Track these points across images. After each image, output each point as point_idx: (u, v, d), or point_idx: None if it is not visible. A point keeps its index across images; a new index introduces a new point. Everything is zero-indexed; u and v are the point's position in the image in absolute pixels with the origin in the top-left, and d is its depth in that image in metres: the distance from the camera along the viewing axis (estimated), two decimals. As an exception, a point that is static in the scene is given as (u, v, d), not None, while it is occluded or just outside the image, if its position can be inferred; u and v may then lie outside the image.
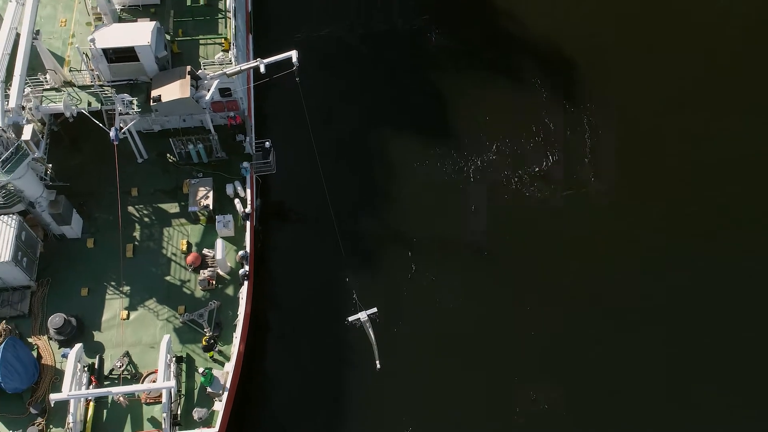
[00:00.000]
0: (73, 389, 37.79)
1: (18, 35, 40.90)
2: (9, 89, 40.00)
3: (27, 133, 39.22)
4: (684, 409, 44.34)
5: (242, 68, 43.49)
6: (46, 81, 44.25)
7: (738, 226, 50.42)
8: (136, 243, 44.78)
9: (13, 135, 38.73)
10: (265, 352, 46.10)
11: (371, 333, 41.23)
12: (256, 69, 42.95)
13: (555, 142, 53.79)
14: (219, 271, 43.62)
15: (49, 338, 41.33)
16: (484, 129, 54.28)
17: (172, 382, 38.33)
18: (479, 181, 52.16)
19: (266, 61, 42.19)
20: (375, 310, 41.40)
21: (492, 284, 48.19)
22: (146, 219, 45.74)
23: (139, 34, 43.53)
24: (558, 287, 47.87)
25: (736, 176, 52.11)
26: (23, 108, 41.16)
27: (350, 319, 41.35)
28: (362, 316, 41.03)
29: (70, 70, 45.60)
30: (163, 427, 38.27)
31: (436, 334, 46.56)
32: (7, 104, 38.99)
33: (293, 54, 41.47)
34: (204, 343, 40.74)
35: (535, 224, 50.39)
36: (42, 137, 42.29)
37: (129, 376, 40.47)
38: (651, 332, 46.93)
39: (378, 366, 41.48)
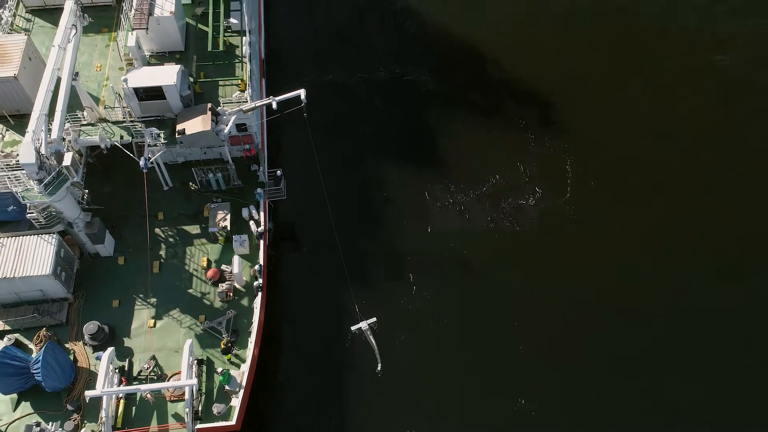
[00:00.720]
0: (106, 387, 40.15)
1: (59, 77, 44.11)
2: (51, 123, 43.37)
3: (67, 160, 42.37)
4: (676, 415, 45.88)
5: (257, 105, 46.65)
6: (83, 117, 47.56)
7: (726, 235, 53.12)
8: (162, 260, 47.38)
9: (55, 162, 41.88)
10: (277, 356, 48.34)
11: (372, 340, 44.22)
12: (269, 106, 46.16)
13: (539, 171, 56.81)
14: (236, 284, 46.25)
15: (84, 344, 43.86)
16: (474, 162, 57.41)
17: (194, 380, 40.92)
18: (471, 205, 55.18)
19: (278, 98, 45.24)
20: (374, 319, 44.50)
21: (486, 299, 50.60)
22: (171, 239, 48.40)
23: (166, 75, 46.76)
24: (553, 296, 50.40)
25: (708, 192, 55.21)
26: (63, 139, 44.58)
27: (353, 328, 44.43)
28: (363, 325, 44.22)
29: (105, 108, 48.86)
30: (185, 421, 40.98)
31: (433, 341, 49.00)
32: (50, 136, 42.85)
33: (302, 92, 44.60)
34: (222, 346, 43.49)
35: (522, 242, 53.25)
36: (80, 165, 45.93)
37: (155, 377, 42.88)
38: (647, 336, 48.61)
39: (379, 369, 44.31)
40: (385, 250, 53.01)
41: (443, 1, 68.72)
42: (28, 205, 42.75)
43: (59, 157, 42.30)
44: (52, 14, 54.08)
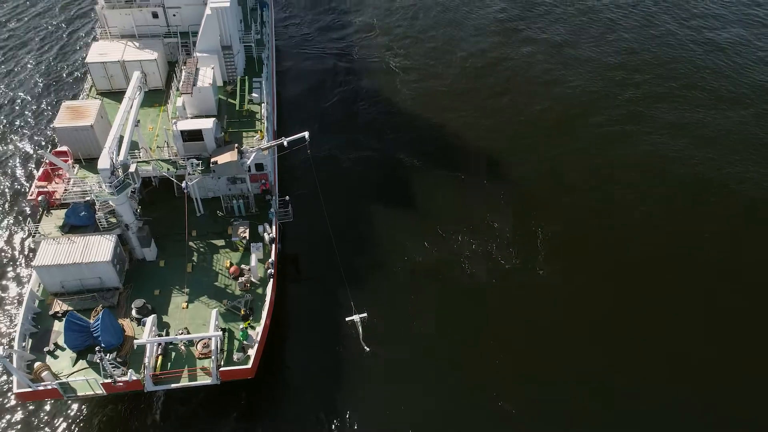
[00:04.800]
0: (149, 338, 48.17)
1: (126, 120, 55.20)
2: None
3: (132, 168, 52.63)
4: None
5: (272, 144, 57.59)
6: (140, 155, 58.82)
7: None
8: (194, 263, 55.83)
9: (121, 173, 52.01)
10: (284, 329, 56.64)
11: (361, 330, 51.33)
12: (281, 145, 56.75)
13: (511, 227, 65.71)
14: (252, 278, 54.52)
15: (131, 319, 51.63)
16: (445, 209, 67.13)
17: (219, 332, 48.73)
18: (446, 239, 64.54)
19: (288, 138, 56.04)
20: (365, 315, 51.75)
21: (462, 312, 58.32)
22: (202, 249, 57.00)
23: (205, 122, 58.20)
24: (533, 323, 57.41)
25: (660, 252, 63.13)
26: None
27: (347, 319, 51.65)
28: (356, 318, 51.44)
29: (156, 148, 60.33)
30: (210, 367, 48.70)
31: (415, 337, 56.69)
32: (119, 157, 54.20)
33: (306, 134, 55.08)
34: (242, 312, 51.77)
35: (496, 275, 61.40)
36: (138, 177, 54.64)
37: (187, 342, 50.31)
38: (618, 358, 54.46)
39: (367, 350, 51.84)
40: (375, 259, 62.34)
41: (424, 99, 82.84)
42: (97, 206, 53.44)
43: (125, 168, 52.94)
44: (116, 95, 66.79)
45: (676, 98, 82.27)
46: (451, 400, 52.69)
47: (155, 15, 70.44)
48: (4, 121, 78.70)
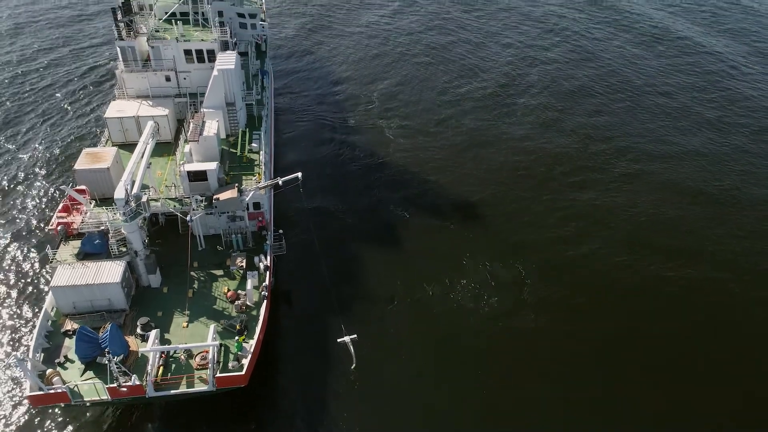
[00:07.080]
0: (153, 347, 53.21)
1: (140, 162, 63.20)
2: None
3: (144, 199, 59.18)
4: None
5: (268, 183, 63.99)
6: (149, 193, 65.50)
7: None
8: (195, 290, 60.94)
9: (134, 203, 58.31)
10: (277, 345, 61.02)
11: (352, 349, 55.75)
12: (276, 186, 63.50)
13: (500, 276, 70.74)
14: (247, 302, 59.50)
15: (135, 336, 56.47)
16: (436, 252, 72.68)
17: (217, 342, 53.69)
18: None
19: (283, 178, 62.49)
20: (355, 336, 56.35)
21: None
22: (202, 278, 62.00)
23: (209, 164, 64.70)
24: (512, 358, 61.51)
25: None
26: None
27: (338, 340, 56.14)
28: (347, 339, 56.16)
29: (165, 187, 67.23)
30: (207, 375, 53.19)
31: (404, 358, 60.94)
32: (133, 190, 60.68)
33: (299, 174, 61.59)
34: (238, 328, 56.72)
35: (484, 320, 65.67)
36: (149, 207, 60.76)
37: (187, 355, 55.28)
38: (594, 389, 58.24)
39: (354, 364, 56.34)
40: (365, 290, 67.33)
41: (415, 162, 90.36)
42: (110, 234, 59.52)
43: (137, 199, 59.11)
44: (130, 147, 74.00)
45: (642, 152, 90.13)
46: (442, 418, 56.59)
47: (168, 78, 78.88)
48: (33, 164, 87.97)
